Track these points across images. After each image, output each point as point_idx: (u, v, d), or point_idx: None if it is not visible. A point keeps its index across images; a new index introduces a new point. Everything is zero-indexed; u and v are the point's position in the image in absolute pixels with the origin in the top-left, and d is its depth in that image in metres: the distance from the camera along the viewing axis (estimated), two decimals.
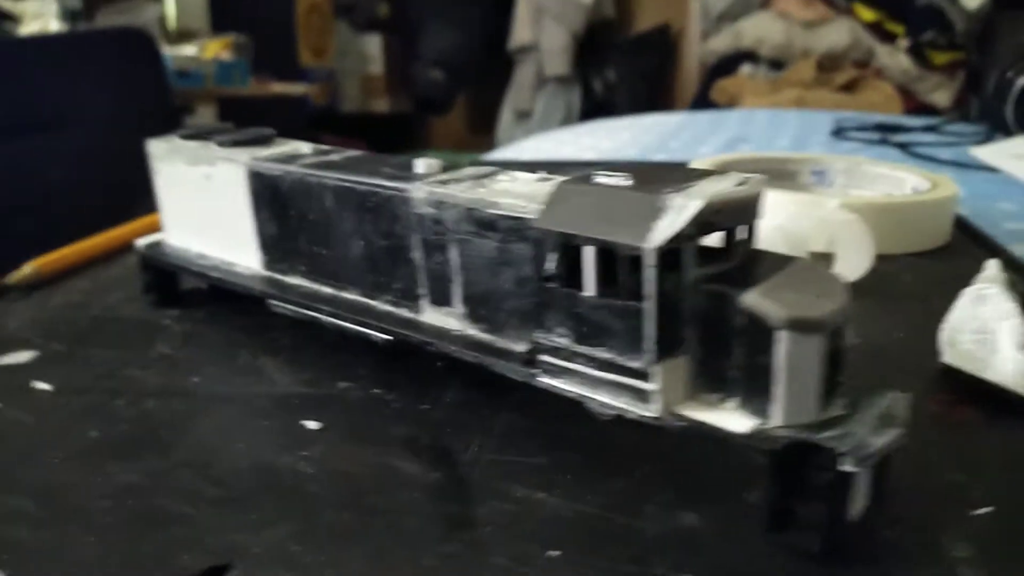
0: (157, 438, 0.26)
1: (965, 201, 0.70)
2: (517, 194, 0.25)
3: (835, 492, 0.20)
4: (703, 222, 0.21)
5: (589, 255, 0.21)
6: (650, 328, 0.21)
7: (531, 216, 0.23)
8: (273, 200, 0.32)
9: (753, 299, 0.20)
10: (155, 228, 0.39)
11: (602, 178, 0.22)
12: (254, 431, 0.27)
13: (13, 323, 0.37)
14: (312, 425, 0.27)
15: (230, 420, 0.28)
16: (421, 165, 0.28)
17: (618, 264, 0.21)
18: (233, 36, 1.93)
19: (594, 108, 3.12)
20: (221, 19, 2.51)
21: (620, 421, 0.22)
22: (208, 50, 1.78)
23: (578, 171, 0.23)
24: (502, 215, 0.24)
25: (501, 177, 0.27)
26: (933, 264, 0.44)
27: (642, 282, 0.21)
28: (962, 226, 0.50)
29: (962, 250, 0.47)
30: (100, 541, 0.22)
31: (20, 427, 0.28)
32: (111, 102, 1.14)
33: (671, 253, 0.21)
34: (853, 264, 0.39)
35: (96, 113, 1.09)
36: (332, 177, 0.29)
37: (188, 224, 0.37)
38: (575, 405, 0.23)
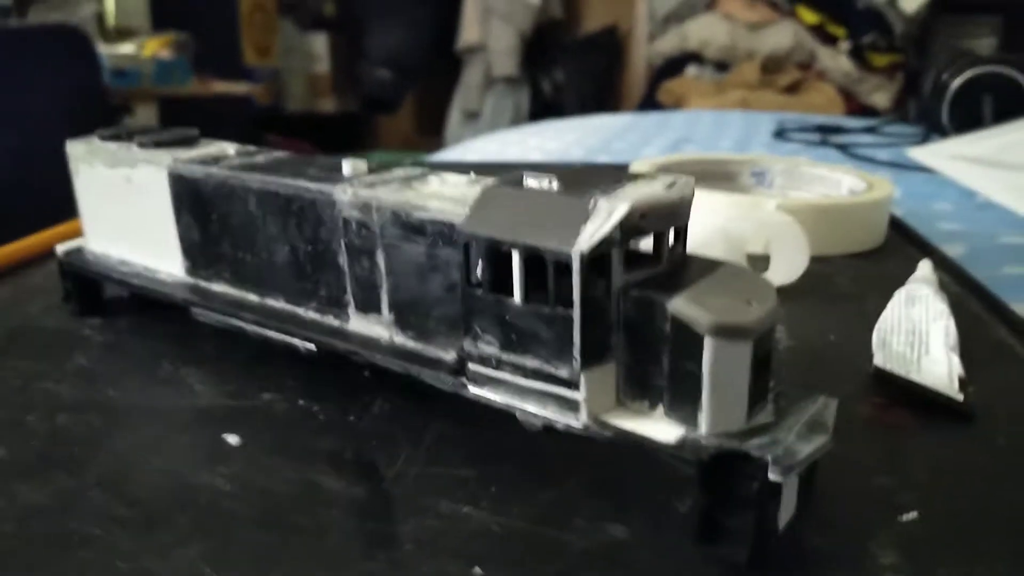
0: (69, 456, 0.25)
1: (902, 201, 0.72)
2: (445, 197, 0.24)
3: (762, 501, 0.19)
4: (631, 226, 0.20)
5: (516, 260, 0.21)
6: (577, 335, 0.20)
7: (458, 220, 0.22)
8: (195, 204, 0.30)
9: (680, 305, 0.20)
10: (77, 233, 0.38)
11: (531, 181, 0.22)
12: (172, 447, 0.26)
13: None
14: (232, 440, 0.26)
15: (147, 435, 0.26)
16: (348, 167, 0.27)
17: (545, 270, 0.20)
18: (173, 34, 1.89)
19: (543, 109, 3.13)
20: (162, 17, 2.45)
21: (551, 431, 0.22)
22: (147, 48, 1.73)
23: (515, 172, 0.23)
24: (430, 219, 0.24)
25: (431, 179, 0.26)
26: (868, 265, 0.45)
27: (569, 288, 0.20)
28: (897, 227, 0.51)
29: (897, 251, 0.47)
30: (1, 569, 0.20)
31: None
32: (43, 101, 1.10)
33: (599, 258, 0.20)
34: (789, 265, 0.39)
35: (27, 112, 1.05)
36: (256, 180, 0.28)
37: (109, 229, 0.35)
38: (507, 414, 0.22)
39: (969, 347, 0.34)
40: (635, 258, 0.22)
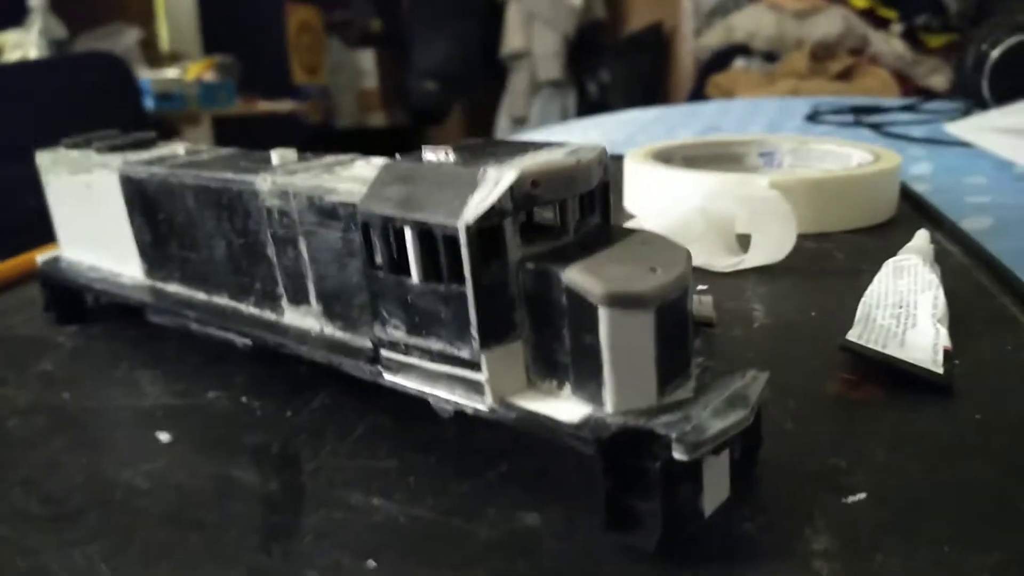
0: (2, 458, 0.25)
1: (933, 176, 0.68)
2: (359, 179, 0.23)
3: (669, 483, 0.18)
4: (523, 195, 0.19)
5: (409, 237, 0.20)
6: (473, 313, 0.19)
7: None
8: (144, 204, 0.30)
9: (573, 274, 0.18)
10: None
11: (428, 154, 0.21)
12: (104, 446, 0.25)
13: None
14: (164, 437, 0.25)
15: (85, 435, 0.26)
16: (276, 156, 0.27)
17: (437, 245, 0.19)
18: (218, 57, 1.93)
19: (590, 110, 3.11)
20: (212, 41, 2.52)
21: (472, 418, 0.21)
22: (191, 72, 1.78)
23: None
24: (340, 202, 0.23)
25: (358, 163, 0.26)
26: (871, 240, 0.42)
27: (461, 264, 0.19)
28: (910, 200, 0.48)
29: (907, 224, 0.45)
30: None
31: None
32: (84, 127, 1.13)
33: (489, 230, 0.19)
34: (776, 242, 0.37)
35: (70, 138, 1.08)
36: (190, 176, 0.28)
37: (78, 236, 0.35)
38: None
39: (968, 318, 0.31)
40: (539, 230, 0.20)
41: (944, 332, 0.29)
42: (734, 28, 2.87)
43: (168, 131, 1.75)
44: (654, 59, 3.29)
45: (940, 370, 0.26)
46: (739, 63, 2.82)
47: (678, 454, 0.17)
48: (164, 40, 2.47)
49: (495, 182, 0.19)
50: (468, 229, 0.19)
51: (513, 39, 3.31)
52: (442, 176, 0.20)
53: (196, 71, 1.80)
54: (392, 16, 3.63)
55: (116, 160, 0.31)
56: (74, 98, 1.14)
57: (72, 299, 0.37)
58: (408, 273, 0.20)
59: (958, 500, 0.20)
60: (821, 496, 0.20)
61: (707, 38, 2.96)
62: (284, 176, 0.25)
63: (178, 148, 0.32)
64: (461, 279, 0.19)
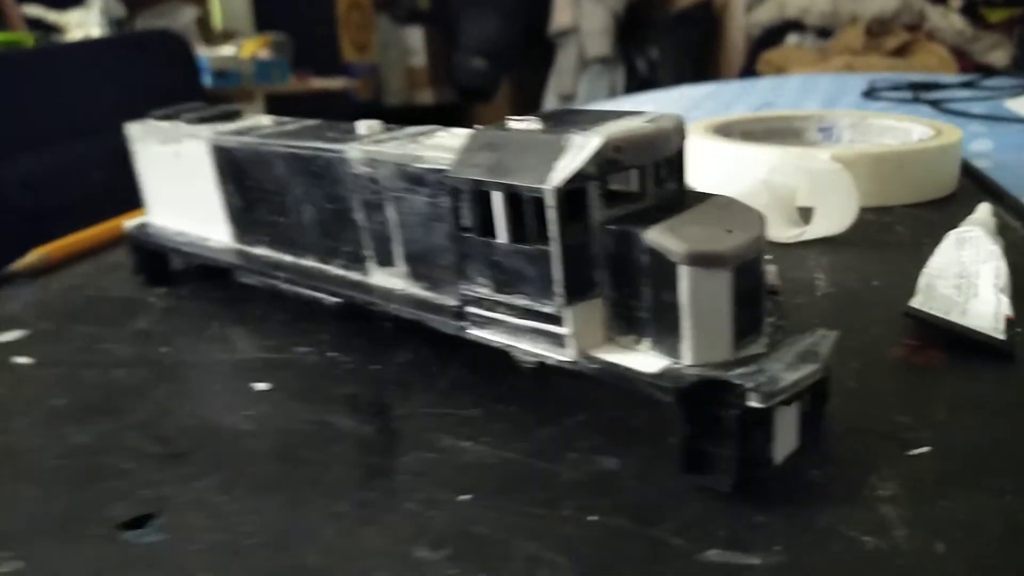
0: (116, 404, 0.27)
1: (994, 153, 0.68)
2: (445, 147, 0.25)
3: (744, 429, 0.19)
4: (606, 160, 0.20)
5: (497, 201, 0.21)
6: (557, 271, 0.21)
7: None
8: (234, 172, 0.32)
9: (655, 235, 0.20)
10: None
11: (514, 123, 0.22)
12: (206, 394, 0.28)
13: (12, 306, 0.39)
14: (261, 387, 0.27)
15: (187, 385, 0.28)
16: (362, 127, 0.28)
17: (524, 208, 0.21)
18: (271, 35, 1.96)
19: (639, 87, 3.08)
20: (264, 18, 2.56)
21: (552, 371, 0.22)
22: (246, 49, 1.81)
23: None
24: (428, 168, 0.24)
25: (440, 134, 0.27)
26: (932, 214, 0.43)
27: (546, 225, 0.20)
28: (971, 175, 0.48)
29: (968, 199, 0.45)
30: (45, 495, 0.22)
31: None
32: (145, 105, 1.17)
33: (574, 193, 0.20)
34: (838, 215, 0.38)
35: (131, 116, 1.12)
36: (281, 144, 0.29)
37: (166, 203, 0.38)
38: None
39: None
40: (621, 195, 0.22)
41: (1006, 301, 0.29)
42: (787, 3, 2.82)
43: None
44: (704, 35, 3.25)
45: (1001, 336, 0.27)
46: (791, 39, 2.77)
47: (753, 402, 0.19)
48: (217, 18, 2.52)
49: (581, 147, 0.20)
50: (556, 192, 0.20)
51: (561, 16, 3.29)
52: (529, 143, 0.21)
53: (251, 48, 1.83)
54: None
55: (206, 131, 0.33)
56: (137, 76, 1.17)
57: (160, 262, 0.40)
58: (495, 234, 0.22)
59: (1018, 455, 0.21)
60: (886, 449, 0.22)
61: (759, 14, 2.92)
62: (373, 145, 0.26)
63: (263, 119, 0.34)
64: (546, 239, 0.21)
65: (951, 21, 2.64)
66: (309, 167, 0.28)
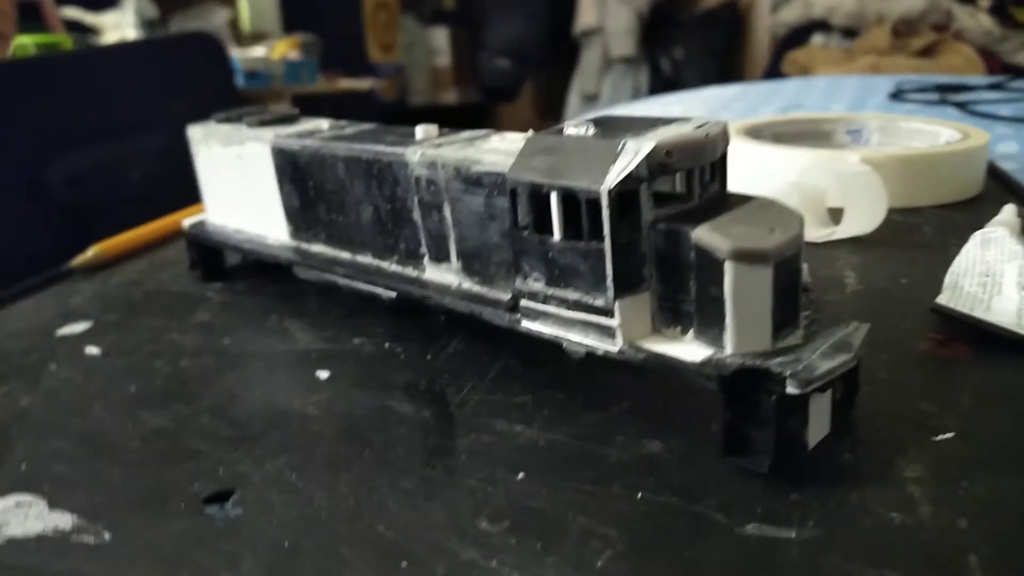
0: (187, 390, 0.29)
1: (1020, 155, 0.69)
2: (501, 151, 0.26)
3: (782, 414, 0.21)
4: (657, 163, 0.22)
5: (554, 201, 0.23)
6: (609, 267, 0.22)
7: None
8: (294, 173, 0.34)
9: (702, 233, 0.21)
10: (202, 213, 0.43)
11: (570, 129, 0.24)
12: (272, 381, 0.29)
13: (75, 300, 0.41)
14: (323, 375, 0.29)
15: (252, 373, 0.30)
16: (420, 131, 0.30)
17: (580, 208, 0.22)
18: (301, 36, 1.99)
19: (662, 87, 3.09)
20: (292, 19, 2.59)
21: (597, 361, 0.24)
22: (276, 50, 1.84)
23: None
24: (485, 171, 0.26)
25: (493, 138, 0.29)
26: (959, 215, 0.44)
27: (601, 224, 0.22)
28: (997, 177, 0.49)
29: (994, 200, 0.46)
30: (126, 474, 0.24)
31: (70, 384, 0.31)
32: (183, 104, 1.19)
33: (627, 195, 0.22)
34: (867, 215, 0.39)
35: (169, 115, 1.15)
36: (342, 148, 0.31)
37: (226, 202, 0.40)
38: (561, 350, 0.24)
39: None
40: (669, 196, 0.23)
41: None
42: (812, 3, 2.81)
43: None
44: (729, 35, 3.25)
45: (1022, 332, 0.29)
46: (817, 39, 2.76)
47: (791, 388, 0.20)
48: (245, 19, 2.55)
49: (635, 152, 0.22)
50: (609, 193, 0.22)
51: (586, 16, 3.30)
52: (584, 147, 0.23)
53: (281, 49, 1.86)
54: None
55: (267, 133, 0.35)
56: (174, 77, 1.20)
57: (215, 259, 0.42)
58: (551, 232, 0.23)
59: None
60: (913, 434, 0.23)
61: (784, 13, 2.91)
62: (432, 149, 0.28)
63: (322, 123, 0.36)
64: (600, 237, 0.22)
65: (979, 21, 2.62)
66: (370, 169, 0.30)
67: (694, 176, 0.23)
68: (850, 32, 2.78)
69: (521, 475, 0.22)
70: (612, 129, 0.23)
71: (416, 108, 3.42)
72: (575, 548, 0.19)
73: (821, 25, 2.81)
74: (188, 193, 0.55)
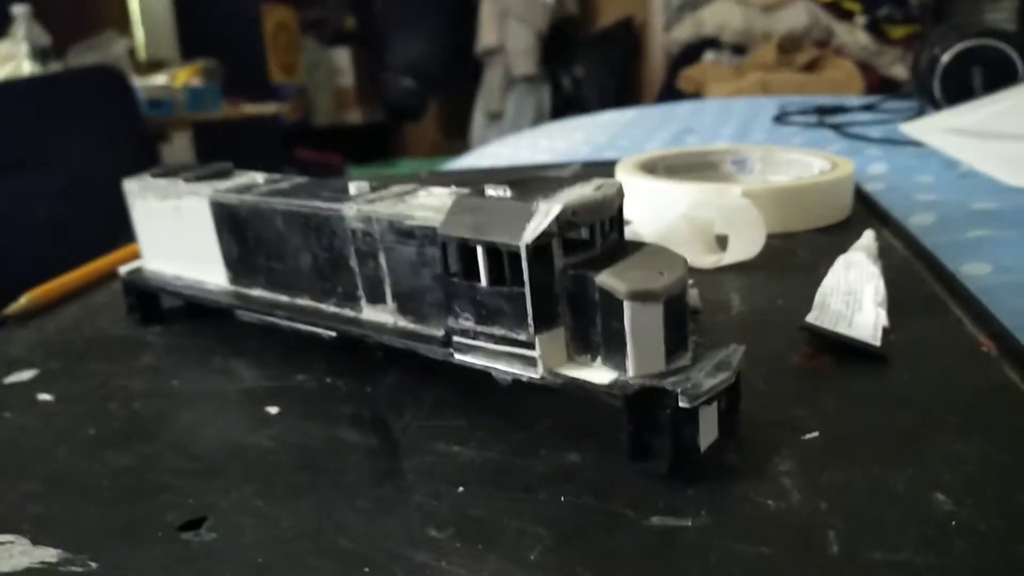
0: (145, 430, 0.32)
1: (887, 175, 0.76)
2: (429, 207, 0.30)
3: (676, 424, 0.25)
4: (565, 221, 0.26)
5: (480, 254, 0.27)
6: (529, 307, 0.26)
7: (438, 225, 0.29)
8: (233, 225, 0.37)
9: (604, 278, 0.26)
10: (134, 256, 0.45)
11: (490, 191, 0.28)
12: (225, 418, 0.32)
13: (15, 348, 0.43)
14: (273, 410, 0.32)
15: (205, 411, 0.33)
16: (353, 187, 0.33)
17: (503, 259, 0.26)
18: (203, 62, 1.98)
19: (564, 105, 3.17)
20: (190, 45, 2.55)
21: (520, 386, 0.28)
22: (178, 78, 1.82)
23: (480, 184, 0.29)
24: (417, 225, 0.30)
25: (420, 193, 0.33)
26: (829, 238, 0.50)
27: (521, 272, 0.26)
28: (864, 201, 0.56)
29: (860, 223, 0.52)
30: (101, 510, 0.27)
31: (28, 431, 0.33)
32: (88, 138, 1.19)
33: (542, 247, 0.26)
34: (748, 243, 0.44)
35: (75, 149, 1.14)
36: (281, 203, 0.34)
37: (163, 250, 0.42)
38: (488, 378, 0.28)
39: (906, 302, 0.39)
40: (576, 244, 0.27)
41: (883, 314, 0.36)
42: (703, 22, 2.95)
43: (157, 137, 1.79)
44: (626, 53, 3.36)
45: (878, 343, 0.34)
46: (709, 56, 2.89)
47: (683, 403, 0.25)
48: (141, 47, 2.50)
49: (546, 213, 0.26)
50: (527, 247, 0.26)
51: (487, 35, 3.36)
52: (504, 208, 0.27)
53: (183, 77, 1.85)
54: (366, 14, 3.66)
55: (205, 188, 0.38)
56: (78, 111, 1.19)
57: (153, 303, 0.44)
58: (478, 278, 0.27)
59: (885, 437, 0.28)
60: (785, 436, 0.28)
61: (677, 32, 3.04)
62: (366, 204, 0.31)
63: (256, 177, 0.39)
64: (521, 283, 0.26)
65: (857, 37, 2.80)
66: (308, 223, 0.33)
67: (596, 228, 0.27)
68: (739, 49, 2.92)
69: (461, 489, 0.26)
70: (526, 191, 0.27)
71: (320, 128, 3.41)
72: (511, 546, 0.23)
73: (712, 43, 2.95)
74: (99, 226, 0.56)
